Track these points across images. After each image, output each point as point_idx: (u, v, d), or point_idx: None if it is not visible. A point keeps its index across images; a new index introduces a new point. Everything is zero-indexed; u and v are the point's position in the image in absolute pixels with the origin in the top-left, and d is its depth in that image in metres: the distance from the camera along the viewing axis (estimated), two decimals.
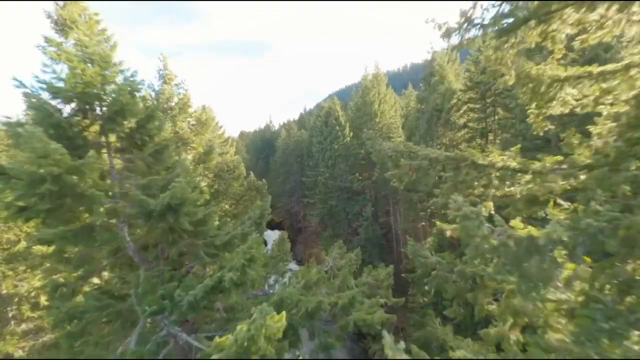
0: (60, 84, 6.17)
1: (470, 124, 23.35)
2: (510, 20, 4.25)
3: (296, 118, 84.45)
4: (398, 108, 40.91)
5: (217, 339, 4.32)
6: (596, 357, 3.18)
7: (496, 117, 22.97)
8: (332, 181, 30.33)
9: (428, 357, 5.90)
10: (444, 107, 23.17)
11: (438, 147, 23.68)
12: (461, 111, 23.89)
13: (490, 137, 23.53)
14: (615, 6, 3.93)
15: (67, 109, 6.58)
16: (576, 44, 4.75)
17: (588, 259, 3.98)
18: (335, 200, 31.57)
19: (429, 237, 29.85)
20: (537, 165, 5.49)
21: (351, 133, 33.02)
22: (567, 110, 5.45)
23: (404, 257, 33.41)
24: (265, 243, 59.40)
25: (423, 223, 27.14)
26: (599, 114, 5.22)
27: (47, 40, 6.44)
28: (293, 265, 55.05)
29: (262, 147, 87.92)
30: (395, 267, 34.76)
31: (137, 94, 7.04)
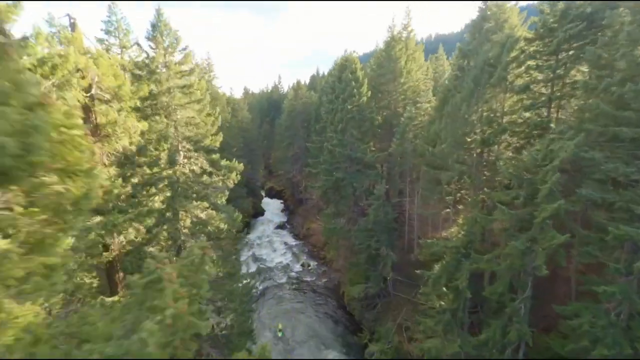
0: None
1: (534, 87, 17.37)
2: None
3: (307, 81, 77.48)
4: (428, 72, 34.41)
5: None
6: None
7: (568, 80, 16.97)
8: (340, 149, 24.94)
9: None
10: (502, 60, 17.10)
11: (486, 113, 17.90)
12: (522, 68, 17.83)
13: (555, 109, 17.62)
14: None
15: None
16: None
17: None
18: (342, 172, 26.23)
19: (453, 227, 24.72)
20: None
21: (369, 93, 27.09)
22: None
23: (417, 247, 28.52)
24: (263, 212, 54.59)
25: (448, 209, 21.88)
26: None
27: None
28: (290, 239, 51.07)
29: (268, 108, 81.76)
30: (404, 256, 30.08)
31: None
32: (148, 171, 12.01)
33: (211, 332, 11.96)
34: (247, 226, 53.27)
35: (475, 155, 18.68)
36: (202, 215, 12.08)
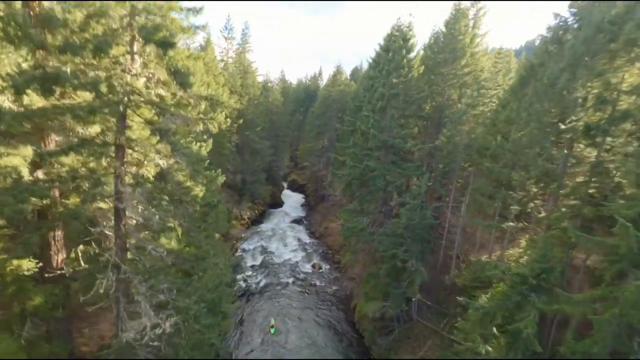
0: None
1: None
2: None
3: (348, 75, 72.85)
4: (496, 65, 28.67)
5: None
6: None
7: None
8: (375, 131, 20.08)
9: None
10: (635, 15, 11.62)
11: (596, 90, 12.39)
12: None
13: None
14: None
15: None
16: None
17: None
18: (374, 161, 21.32)
19: (510, 248, 19.02)
20: None
21: (421, 68, 22.03)
22: None
23: (455, 267, 22.96)
24: (281, 204, 50.72)
25: (511, 223, 16.29)
26: None
27: None
28: (304, 236, 46.63)
29: (304, 99, 78.04)
30: (436, 276, 24.41)
31: None
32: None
33: (138, 336, 7.68)
34: (262, 215, 49.59)
35: (568, 149, 13.17)
36: (161, 162, 7.95)
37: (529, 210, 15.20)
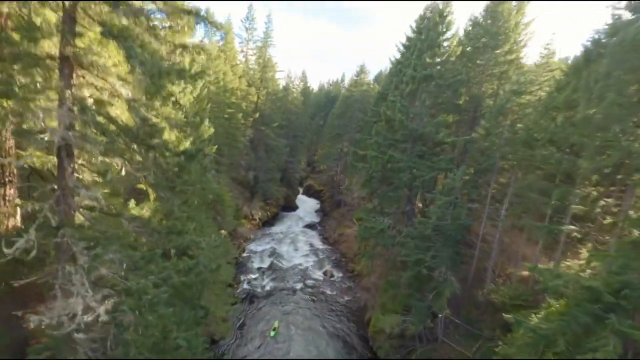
0: None
1: None
2: None
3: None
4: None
5: None
6: None
7: None
8: (402, 117, 17.46)
9: None
10: None
11: None
12: None
13: None
14: None
15: None
16: None
17: None
18: (400, 152, 18.63)
19: (568, 260, 15.58)
20: None
21: (459, 50, 19.41)
22: None
23: (491, 280, 19.64)
24: (295, 208, 48.49)
25: (572, 226, 13.09)
26: None
27: None
28: (317, 242, 43.84)
29: (325, 104, 76.40)
30: (467, 290, 20.74)
31: None
32: None
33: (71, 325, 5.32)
34: (275, 217, 47.27)
35: None
36: (123, 91, 5.72)
37: (598, 209, 12.04)
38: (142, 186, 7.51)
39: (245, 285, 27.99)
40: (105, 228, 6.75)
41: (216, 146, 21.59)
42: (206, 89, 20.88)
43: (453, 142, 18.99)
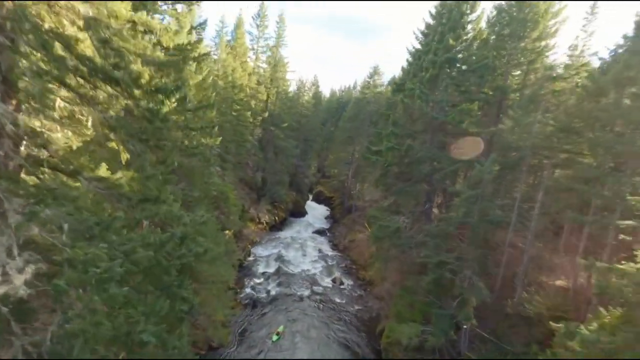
0: None
1: None
2: None
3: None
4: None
5: None
6: None
7: None
8: (422, 103, 15.84)
9: None
10: None
11: None
12: None
13: None
14: None
15: None
16: None
17: None
18: (419, 142, 16.93)
19: (622, 263, 13.44)
20: None
21: (484, 33, 17.81)
22: None
23: (522, 288, 17.45)
24: (304, 214, 47.00)
25: (630, 221, 11.03)
26: None
27: None
28: (326, 248, 41.90)
29: (336, 110, 75.38)
30: (493, 300, 18.00)
31: None
32: None
33: None
34: (283, 222, 45.63)
35: None
36: None
37: None
38: (114, 144, 6.03)
39: (249, 290, 26.27)
40: (58, 186, 5.26)
41: (221, 138, 20.29)
42: (211, 77, 19.75)
43: (478, 133, 17.19)
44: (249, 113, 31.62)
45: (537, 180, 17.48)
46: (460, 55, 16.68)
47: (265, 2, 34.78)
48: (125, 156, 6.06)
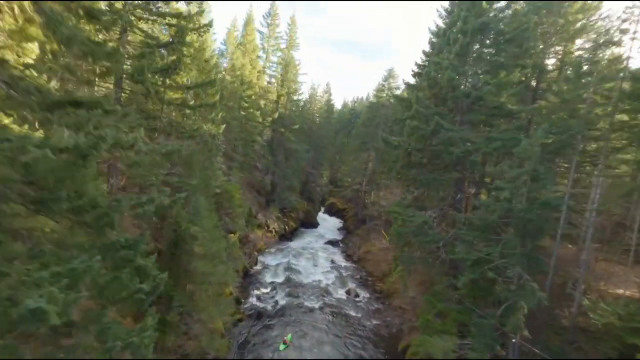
0: None
1: None
2: None
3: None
4: None
5: None
6: None
7: None
8: (452, 74, 13.62)
9: None
10: None
11: None
12: None
13: None
14: None
15: None
16: None
17: None
18: (449, 122, 14.59)
19: None
20: None
21: (517, 7, 15.70)
22: None
23: (581, 293, 14.40)
24: (316, 225, 44.51)
25: None
26: None
27: None
28: (339, 258, 38.95)
29: (349, 121, 73.88)
30: (545, 309, 14.86)
31: None
32: None
33: None
34: (293, 232, 43.07)
35: None
36: None
37: None
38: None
39: (255, 300, 23.67)
40: None
41: (224, 126, 18.47)
42: (215, 59, 18.18)
43: (517, 112, 14.76)
44: (258, 112, 30.05)
45: (592, 168, 14.77)
46: (495, 19, 14.54)
47: (276, 1, 33.96)
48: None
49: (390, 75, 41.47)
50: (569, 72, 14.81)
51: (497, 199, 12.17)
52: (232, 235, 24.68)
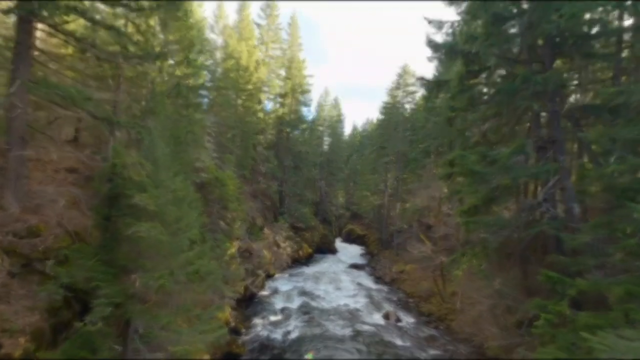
0: None
1: None
2: None
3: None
4: None
5: None
6: None
7: None
8: (485, 40, 8.75)
9: None
10: None
11: None
12: None
13: None
14: None
15: None
16: None
17: None
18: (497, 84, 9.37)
19: None
20: None
21: None
22: None
23: None
24: (334, 251, 37.78)
25: None
26: None
27: None
28: (367, 281, 31.63)
29: (361, 144, 69.52)
30: None
31: None
32: None
33: None
34: (309, 258, 36.29)
35: None
36: None
37: None
38: None
39: (260, 330, 17.10)
40: None
41: (208, 75, 13.68)
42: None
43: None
44: (259, 107, 25.61)
45: None
46: None
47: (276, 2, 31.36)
48: None
49: (405, 71, 37.48)
50: None
51: None
52: (230, 244, 18.82)
